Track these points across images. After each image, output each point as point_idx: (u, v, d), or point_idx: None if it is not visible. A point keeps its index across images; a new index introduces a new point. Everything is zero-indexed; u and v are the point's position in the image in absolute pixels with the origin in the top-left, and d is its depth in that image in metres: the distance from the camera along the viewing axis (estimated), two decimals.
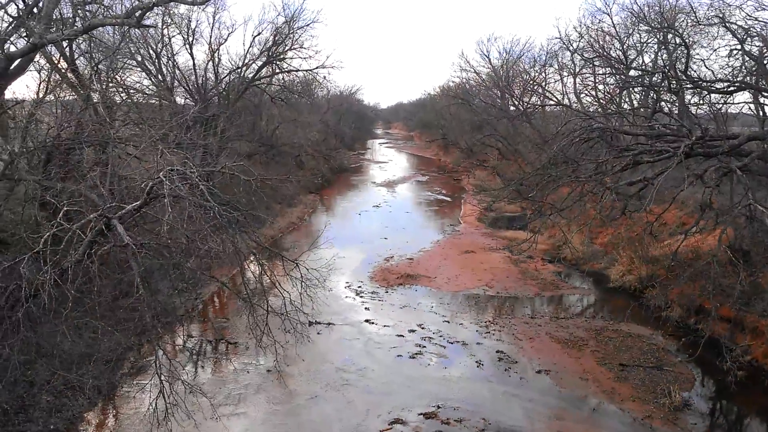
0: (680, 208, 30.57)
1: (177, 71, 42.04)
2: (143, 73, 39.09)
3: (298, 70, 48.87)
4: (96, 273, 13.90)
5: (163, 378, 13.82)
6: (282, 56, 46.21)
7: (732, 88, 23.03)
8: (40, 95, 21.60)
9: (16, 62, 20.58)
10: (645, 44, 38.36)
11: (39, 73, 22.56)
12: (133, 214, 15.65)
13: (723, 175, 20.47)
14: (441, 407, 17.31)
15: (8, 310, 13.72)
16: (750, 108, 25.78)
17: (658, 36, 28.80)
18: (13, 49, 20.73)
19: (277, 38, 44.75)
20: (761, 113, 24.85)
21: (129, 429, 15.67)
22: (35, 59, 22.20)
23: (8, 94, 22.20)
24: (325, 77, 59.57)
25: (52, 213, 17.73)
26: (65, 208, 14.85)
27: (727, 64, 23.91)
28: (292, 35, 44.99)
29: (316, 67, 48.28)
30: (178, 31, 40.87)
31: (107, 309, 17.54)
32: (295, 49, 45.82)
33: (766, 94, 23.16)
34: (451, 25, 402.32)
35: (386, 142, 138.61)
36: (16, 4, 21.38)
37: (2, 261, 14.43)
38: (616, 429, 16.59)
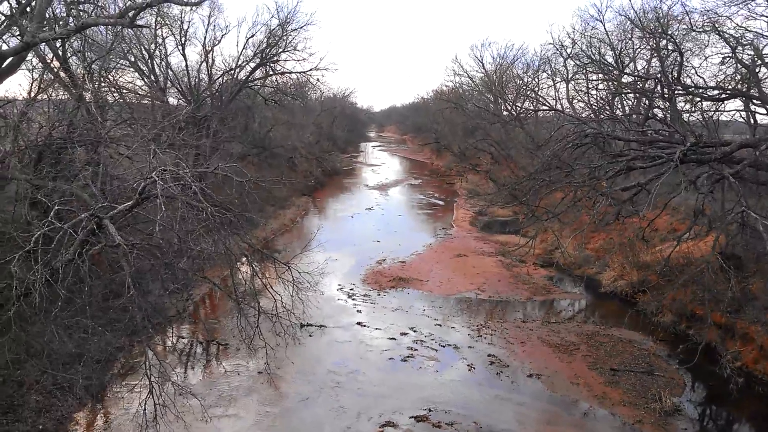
0: (672, 213, 30.72)
1: (170, 72, 42.01)
2: (136, 73, 39.06)
3: (291, 72, 48.97)
4: (87, 273, 13.81)
5: (153, 379, 13.73)
6: (275, 58, 46.24)
7: (724, 96, 23.18)
8: (32, 94, 21.48)
9: (8, 61, 20.38)
10: (638, 51, 38.65)
11: (31, 72, 22.51)
12: (125, 214, 15.54)
13: (716, 182, 20.59)
14: (432, 410, 17.28)
15: None
16: (741, 116, 25.97)
17: (651, 42, 28.94)
18: (4, 47, 20.55)
19: (270, 40, 44.80)
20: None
21: (118, 430, 15.59)
22: (28, 58, 22.05)
23: (0, 92, 22.07)
24: (318, 79, 59.42)
25: (43, 212, 17.58)
26: (56, 207, 14.74)
27: (721, 71, 24.07)
28: (285, 37, 45.03)
29: (310, 70, 48.30)
30: (171, 32, 40.88)
31: (98, 309, 17.40)
32: (288, 51, 45.89)
33: (757, 102, 23.28)
34: (446, 29, 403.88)
35: (379, 145, 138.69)
36: (8, 3, 21.24)
37: None
38: None
